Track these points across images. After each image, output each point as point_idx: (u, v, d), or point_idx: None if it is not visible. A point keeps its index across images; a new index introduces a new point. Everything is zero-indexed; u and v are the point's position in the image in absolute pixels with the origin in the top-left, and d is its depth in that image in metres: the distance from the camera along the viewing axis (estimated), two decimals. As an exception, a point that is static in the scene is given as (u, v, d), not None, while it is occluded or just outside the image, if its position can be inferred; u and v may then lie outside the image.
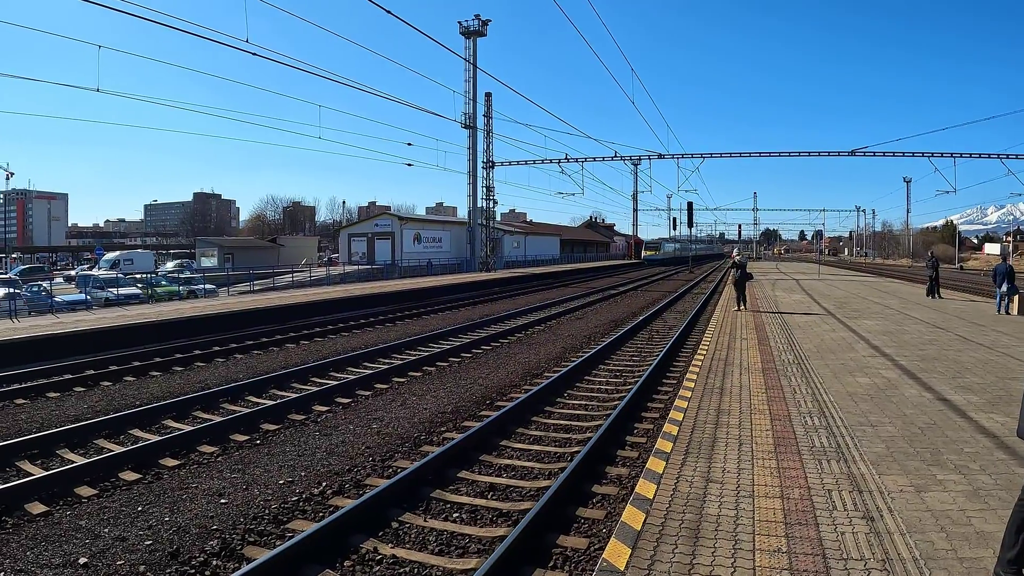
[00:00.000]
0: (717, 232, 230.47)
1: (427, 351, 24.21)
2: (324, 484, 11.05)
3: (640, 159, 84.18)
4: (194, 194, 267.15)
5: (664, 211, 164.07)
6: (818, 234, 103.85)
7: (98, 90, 29.78)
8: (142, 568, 8.47)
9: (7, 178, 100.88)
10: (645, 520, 7.46)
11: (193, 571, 8.44)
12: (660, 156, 74.81)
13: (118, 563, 8.64)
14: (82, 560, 8.76)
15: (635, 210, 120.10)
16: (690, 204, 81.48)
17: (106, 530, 9.67)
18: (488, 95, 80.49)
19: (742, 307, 31.81)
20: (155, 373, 21.15)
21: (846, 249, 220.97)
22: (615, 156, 76.88)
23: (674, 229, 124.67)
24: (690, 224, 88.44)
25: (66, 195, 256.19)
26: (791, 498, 8.02)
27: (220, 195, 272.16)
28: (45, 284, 44.79)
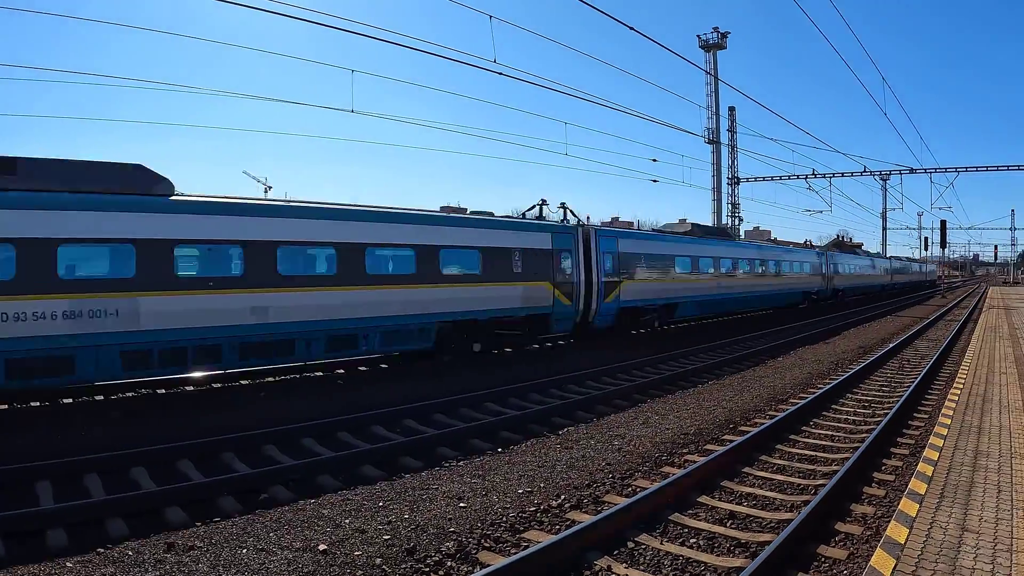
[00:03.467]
0: (971, 253, 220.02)
1: (668, 370, 24.19)
2: (563, 497, 11.01)
3: (889, 174, 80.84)
4: (440, 207, 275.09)
5: (915, 230, 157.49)
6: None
7: (352, 111, 31.06)
8: (378, 561, 8.68)
9: (265, 191, 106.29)
10: (895, 567, 7.09)
11: (428, 570, 8.58)
12: (911, 170, 71.64)
13: (355, 553, 8.90)
14: (321, 547, 9.07)
15: (884, 228, 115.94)
16: (943, 223, 77.33)
17: (347, 521, 9.98)
18: (731, 109, 78.99)
19: None
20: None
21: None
22: (864, 171, 74.40)
23: (925, 249, 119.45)
24: (943, 244, 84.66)
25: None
26: (1053, 556, 7.47)
27: (467, 209, 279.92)
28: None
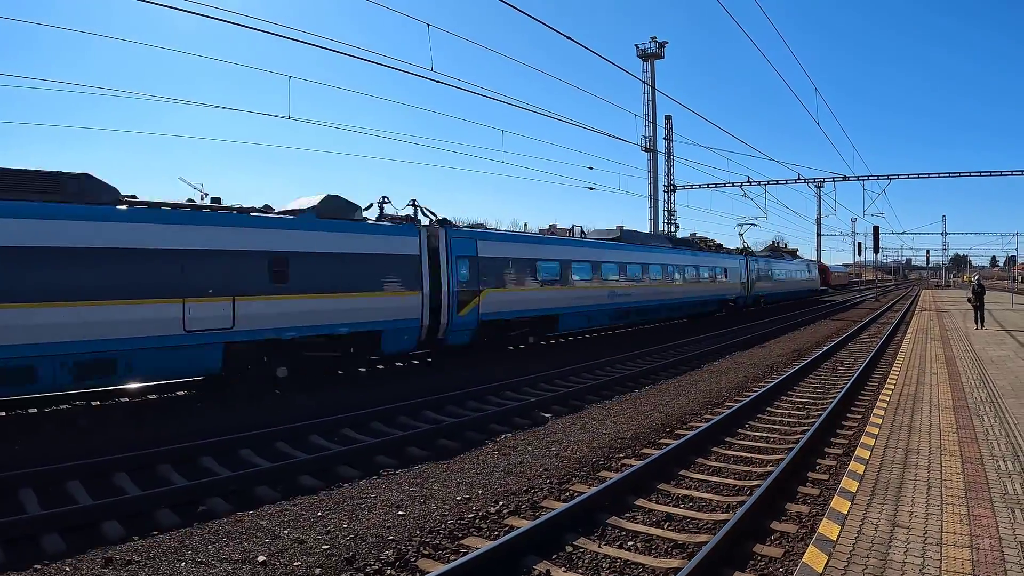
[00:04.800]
0: (904, 258, 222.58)
1: (606, 376, 24.18)
2: (501, 503, 11.05)
3: (823, 181, 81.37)
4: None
5: (849, 235, 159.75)
6: (1010, 260, 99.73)
7: (289, 117, 30.81)
8: (318, 571, 8.67)
9: (201, 199, 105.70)
10: (827, 563, 7.24)
11: (367, 578, 8.59)
12: (844, 178, 72.24)
13: (295, 564, 8.85)
14: (261, 558, 9.02)
15: (818, 234, 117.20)
16: (876, 228, 78.07)
17: (286, 531, 9.93)
18: (668, 118, 79.36)
19: (979, 326, 37.13)
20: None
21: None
22: (798, 179, 74.97)
23: (859, 255, 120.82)
24: (876, 249, 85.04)
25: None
26: (981, 548, 7.66)
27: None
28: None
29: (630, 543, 9.61)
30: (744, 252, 62.49)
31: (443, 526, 10.08)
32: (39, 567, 8.89)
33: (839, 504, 9.12)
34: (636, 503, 11.10)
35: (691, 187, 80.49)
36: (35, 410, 17.53)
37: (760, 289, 62.74)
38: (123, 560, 9.00)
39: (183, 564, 8.88)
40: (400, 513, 10.60)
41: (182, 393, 20.03)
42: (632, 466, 12.64)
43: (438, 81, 23.73)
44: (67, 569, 8.80)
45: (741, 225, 72.54)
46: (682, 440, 14.12)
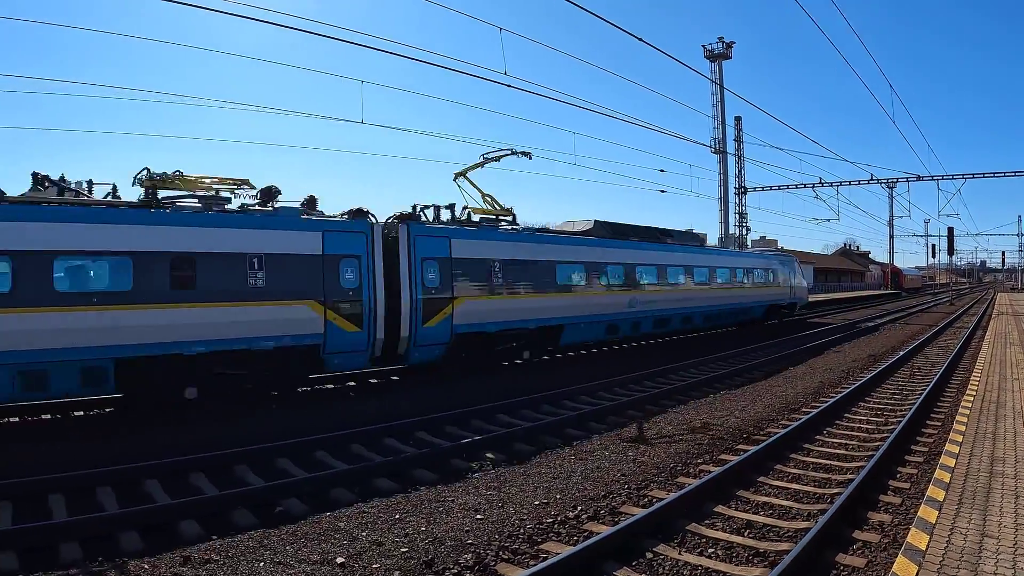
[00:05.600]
0: (978, 260, 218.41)
1: (680, 380, 23.96)
2: (579, 508, 10.97)
3: (896, 181, 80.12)
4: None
5: (922, 237, 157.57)
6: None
7: (362, 122, 30.94)
8: (396, 574, 8.65)
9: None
10: (917, 573, 7.08)
11: (446, 582, 8.54)
12: (918, 178, 71.17)
13: (373, 566, 8.86)
14: (339, 560, 9.03)
15: (891, 236, 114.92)
16: (951, 230, 76.58)
17: (363, 534, 9.94)
18: (738, 119, 78.60)
19: None
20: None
21: None
22: (871, 179, 73.94)
23: (932, 257, 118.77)
24: (950, 251, 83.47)
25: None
26: (1072, 561, 7.43)
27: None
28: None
29: (710, 550, 9.48)
30: (406, 217, 23.11)
31: (522, 530, 10.02)
32: (118, 563, 8.98)
33: (926, 513, 8.92)
34: (715, 510, 10.96)
35: (762, 189, 79.89)
36: (111, 409, 17.74)
37: (488, 315, 24.86)
38: (201, 559, 9.08)
39: (262, 564, 8.93)
40: (478, 517, 10.58)
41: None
42: (711, 472, 12.52)
43: (510, 85, 23.67)
44: (145, 567, 8.89)
45: (486, 156, 29.82)
46: (760, 446, 13.90)
